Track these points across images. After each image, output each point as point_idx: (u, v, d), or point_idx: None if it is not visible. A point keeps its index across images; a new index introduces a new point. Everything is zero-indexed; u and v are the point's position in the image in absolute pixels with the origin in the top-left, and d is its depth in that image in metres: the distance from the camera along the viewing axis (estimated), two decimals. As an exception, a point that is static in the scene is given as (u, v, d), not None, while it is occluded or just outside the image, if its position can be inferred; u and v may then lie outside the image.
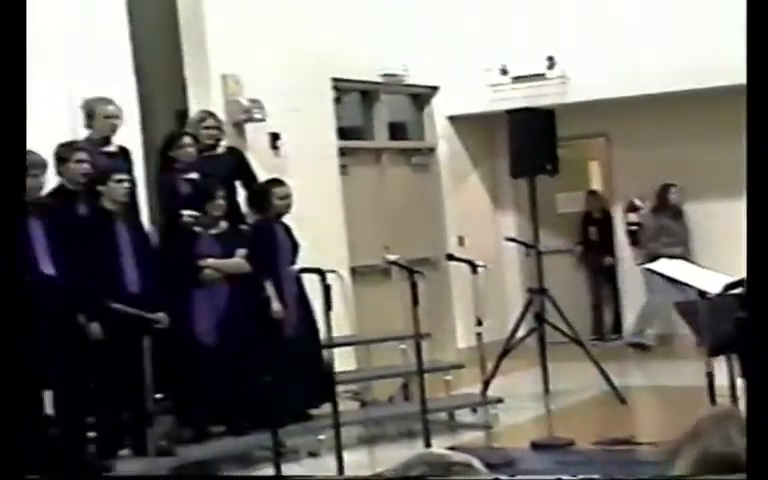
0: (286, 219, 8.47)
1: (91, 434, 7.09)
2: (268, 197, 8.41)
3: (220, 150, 8.65)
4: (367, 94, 11.50)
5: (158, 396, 6.97)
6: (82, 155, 7.33)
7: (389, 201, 11.40)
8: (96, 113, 7.85)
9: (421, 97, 12.15)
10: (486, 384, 8.64)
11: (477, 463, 2.30)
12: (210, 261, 7.87)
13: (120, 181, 7.30)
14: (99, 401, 7.04)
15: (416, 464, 2.28)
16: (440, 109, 12.13)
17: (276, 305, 8.09)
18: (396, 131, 11.99)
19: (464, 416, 8.87)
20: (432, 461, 2.29)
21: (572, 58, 11.29)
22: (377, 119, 11.60)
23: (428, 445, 6.90)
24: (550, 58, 11.46)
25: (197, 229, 7.94)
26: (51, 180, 7.21)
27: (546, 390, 9.22)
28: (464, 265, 8.55)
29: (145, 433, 5.95)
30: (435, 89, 12.02)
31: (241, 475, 6.33)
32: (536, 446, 7.62)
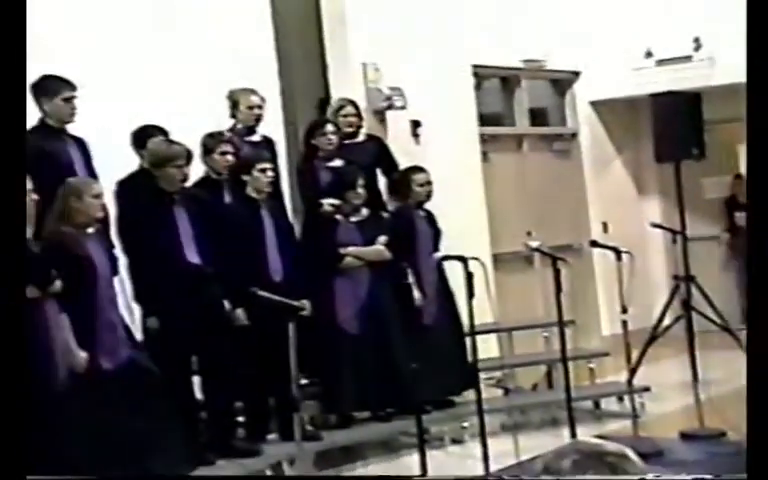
0: (427, 206, 8.46)
1: (239, 419, 7.23)
2: (409, 184, 8.41)
3: (361, 138, 8.68)
4: (508, 80, 11.41)
5: (304, 382, 7.05)
6: (227, 146, 7.44)
7: (531, 187, 11.30)
8: (240, 103, 7.97)
9: (562, 82, 11.99)
10: (632, 372, 8.47)
11: (631, 453, 2.24)
12: (351, 249, 7.91)
13: (264, 170, 7.39)
14: (246, 386, 7.15)
15: (568, 452, 2.23)
16: (582, 94, 11.96)
17: (417, 293, 8.09)
18: (537, 117, 11.86)
19: (610, 405, 8.72)
20: (585, 450, 2.24)
21: (719, 39, 10.97)
22: (518, 105, 11.50)
23: (573, 434, 6.81)
24: (696, 39, 11.17)
25: (338, 217, 7.99)
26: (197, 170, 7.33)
27: (695, 379, 8.99)
28: (608, 251, 8.40)
29: (291, 418, 6.00)
30: (577, 74, 11.85)
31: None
32: (685, 436, 7.44)
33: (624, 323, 7.84)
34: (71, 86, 6.74)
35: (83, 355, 5.99)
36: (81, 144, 6.88)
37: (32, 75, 6.42)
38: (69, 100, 6.75)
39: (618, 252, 8.21)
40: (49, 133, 6.75)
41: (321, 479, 7.25)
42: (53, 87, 6.71)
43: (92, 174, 6.78)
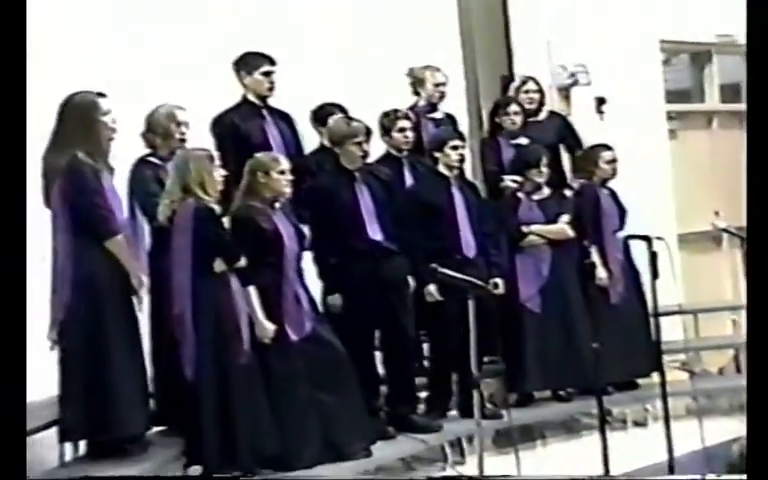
0: (612, 184, 8.31)
1: (422, 394, 7.27)
2: (595, 162, 8.28)
3: (543, 115, 8.59)
4: (698, 55, 11.10)
5: (486, 359, 7.03)
6: (405, 123, 7.44)
7: (720, 166, 10.96)
8: (426, 80, 7.99)
9: (756, 56, 11.58)
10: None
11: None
12: (534, 227, 7.85)
13: (456, 148, 7.39)
14: (431, 362, 7.18)
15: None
16: (777, 69, 11.52)
17: (602, 271, 7.97)
18: (728, 93, 11.49)
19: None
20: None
21: None
22: (708, 81, 11.18)
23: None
24: None
25: (520, 195, 7.93)
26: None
27: None
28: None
29: (471, 395, 6.00)
30: (772, 48, 11.42)
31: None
32: None
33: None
34: (270, 61, 6.92)
35: (271, 326, 6.12)
36: (286, 120, 7.05)
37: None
38: (268, 74, 6.93)
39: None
40: (248, 110, 6.95)
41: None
42: (253, 62, 6.91)
43: (293, 149, 6.93)
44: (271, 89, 6.98)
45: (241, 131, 6.86)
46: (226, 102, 6.96)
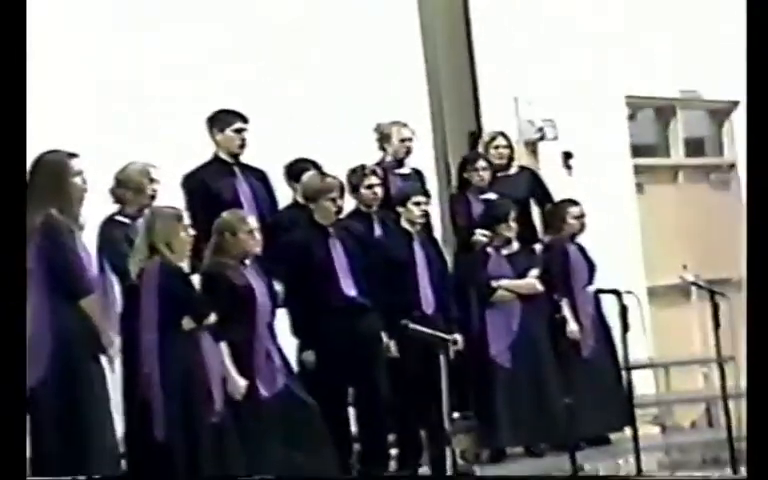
0: (580, 238, 8.33)
1: (392, 451, 7.21)
2: (563, 217, 8.31)
3: (513, 170, 8.62)
4: (662, 110, 11.19)
5: (456, 415, 7.00)
6: (373, 179, 7.43)
7: (687, 219, 11.02)
8: (392, 136, 8.00)
9: (720, 112, 11.69)
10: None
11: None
12: (503, 282, 7.85)
13: (418, 203, 7.40)
14: (399, 419, 7.14)
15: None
16: (741, 124, 11.63)
17: (573, 325, 7.97)
18: (693, 147, 11.58)
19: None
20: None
21: None
22: (673, 135, 11.27)
23: (735, 473, 6.58)
24: None
25: (489, 250, 7.94)
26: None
27: None
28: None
29: (444, 451, 5.97)
30: (735, 103, 11.54)
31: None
32: None
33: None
34: (242, 118, 6.93)
35: (243, 382, 6.07)
36: (259, 176, 7.04)
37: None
38: (239, 132, 6.93)
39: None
40: (218, 167, 6.95)
41: None
42: (226, 119, 6.92)
43: (265, 206, 6.91)
44: (242, 146, 6.98)
45: (211, 189, 6.85)
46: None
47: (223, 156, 6.98)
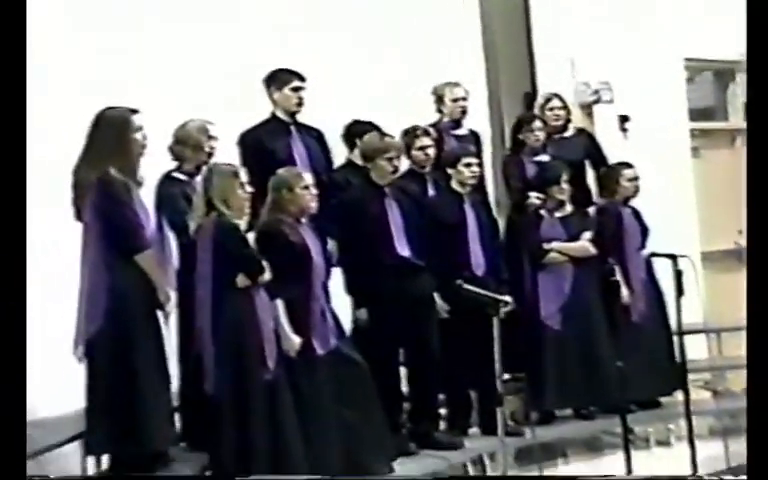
0: (635, 202, 8.30)
1: (442, 411, 7.26)
2: (616, 180, 8.28)
3: (569, 133, 8.59)
4: (721, 73, 11.07)
5: (506, 377, 7.03)
6: (425, 140, 7.43)
7: (743, 184, 10.91)
8: (445, 97, 8.00)
9: (780, 75, 11.54)
10: None
11: None
12: (555, 244, 7.84)
13: (469, 164, 7.40)
14: (450, 379, 7.18)
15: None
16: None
17: (624, 290, 7.95)
18: (752, 111, 11.45)
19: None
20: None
21: None
22: (731, 99, 11.14)
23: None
24: None
25: (542, 212, 7.93)
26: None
27: None
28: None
29: (493, 412, 6.00)
30: (796, 66, 11.39)
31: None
32: None
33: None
34: (300, 77, 6.96)
35: (297, 339, 6.12)
36: (315, 135, 7.07)
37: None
38: (296, 90, 6.96)
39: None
40: (275, 126, 6.98)
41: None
42: (283, 78, 6.95)
43: (321, 165, 6.94)
44: (299, 105, 7.00)
45: (266, 147, 6.88)
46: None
47: (280, 115, 7.01)
